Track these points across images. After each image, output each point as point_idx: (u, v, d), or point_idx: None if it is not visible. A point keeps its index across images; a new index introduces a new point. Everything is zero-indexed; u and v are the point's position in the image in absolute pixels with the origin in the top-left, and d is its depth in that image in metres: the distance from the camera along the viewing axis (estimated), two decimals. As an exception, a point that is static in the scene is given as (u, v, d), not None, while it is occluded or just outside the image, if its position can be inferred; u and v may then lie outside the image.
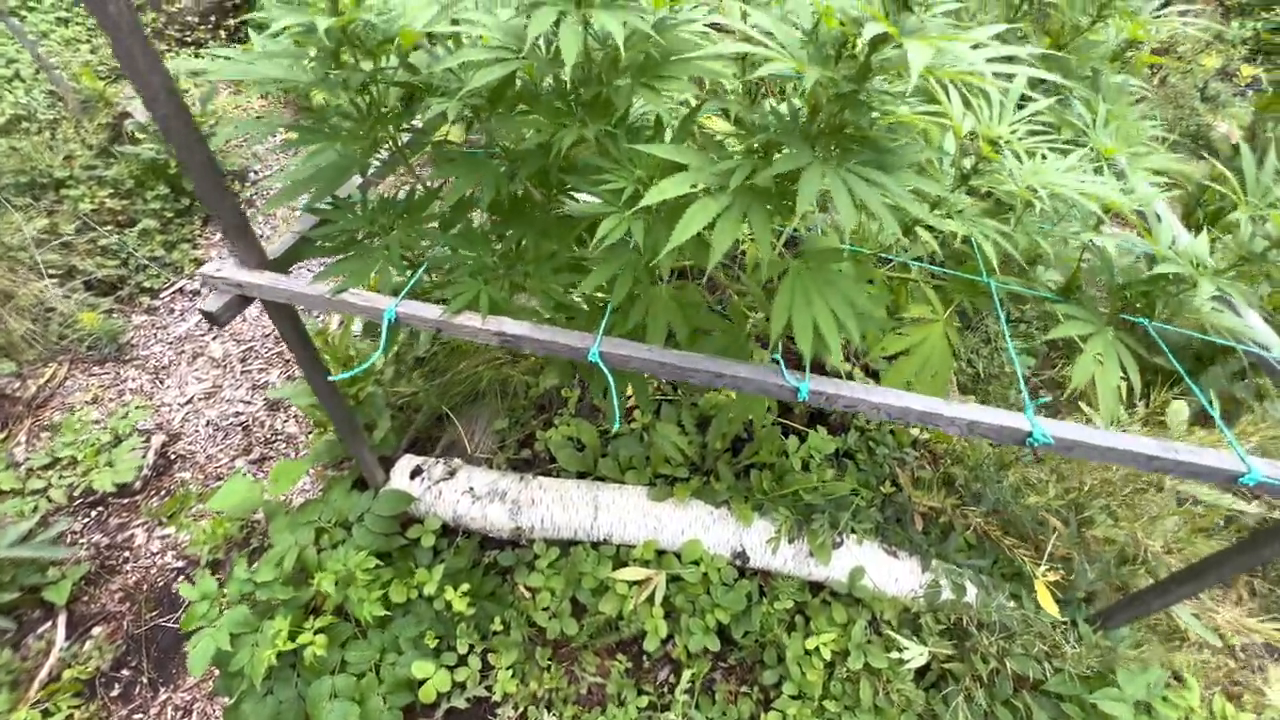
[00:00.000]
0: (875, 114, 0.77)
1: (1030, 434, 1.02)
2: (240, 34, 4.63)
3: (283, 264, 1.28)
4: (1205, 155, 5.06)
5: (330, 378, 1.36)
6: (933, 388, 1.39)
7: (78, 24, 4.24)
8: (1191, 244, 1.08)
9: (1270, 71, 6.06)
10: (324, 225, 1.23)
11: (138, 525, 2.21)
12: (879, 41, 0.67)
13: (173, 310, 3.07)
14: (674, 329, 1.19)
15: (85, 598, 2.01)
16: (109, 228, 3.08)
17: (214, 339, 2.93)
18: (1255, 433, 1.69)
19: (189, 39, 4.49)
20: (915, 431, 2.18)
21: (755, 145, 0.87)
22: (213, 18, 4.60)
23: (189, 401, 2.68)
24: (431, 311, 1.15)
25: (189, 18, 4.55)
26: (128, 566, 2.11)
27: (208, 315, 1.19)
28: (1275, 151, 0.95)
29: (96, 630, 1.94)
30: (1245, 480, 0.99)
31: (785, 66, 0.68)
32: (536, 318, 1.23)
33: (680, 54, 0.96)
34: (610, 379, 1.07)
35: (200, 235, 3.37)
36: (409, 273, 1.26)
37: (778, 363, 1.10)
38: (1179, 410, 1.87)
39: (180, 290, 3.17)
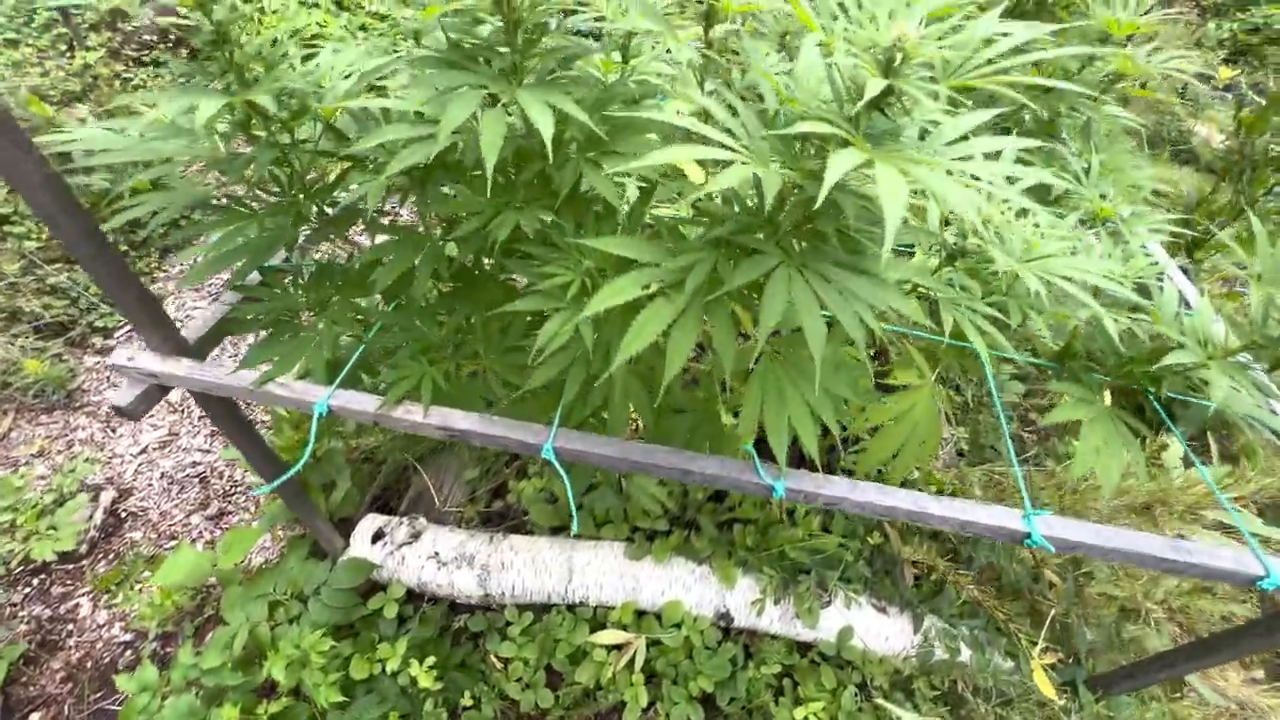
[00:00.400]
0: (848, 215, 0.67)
1: (1029, 535, 0.93)
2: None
3: (206, 345, 1.16)
4: (1188, 160, 5.02)
5: (257, 490, 1.24)
6: (921, 455, 1.30)
7: (28, 45, 4.06)
8: (1200, 316, 0.99)
9: (1249, 75, 6.07)
10: (249, 303, 1.11)
11: (83, 594, 2.07)
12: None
13: (128, 351, 2.92)
14: (638, 412, 1.08)
15: (23, 679, 1.87)
16: (57, 265, 2.92)
17: (171, 381, 2.79)
18: (1254, 481, 1.62)
19: (146, 59, 4.32)
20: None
21: (716, 236, 0.77)
22: (172, 35, 4.43)
23: (143, 451, 2.54)
24: (368, 403, 1.04)
25: (146, 36, 4.38)
26: (71, 641, 1.97)
27: (120, 411, 1.07)
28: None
29: (34, 717, 1.80)
30: (1264, 585, 0.90)
31: (746, 173, 0.57)
32: (487, 397, 1.12)
33: (634, 127, 0.86)
34: (567, 480, 0.97)
35: (158, 269, 3.22)
36: (349, 349, 1.14)
37: (751, 455, 0.99)
38: (1175, 456, 1.79)
39: (136, 328, 3.02)
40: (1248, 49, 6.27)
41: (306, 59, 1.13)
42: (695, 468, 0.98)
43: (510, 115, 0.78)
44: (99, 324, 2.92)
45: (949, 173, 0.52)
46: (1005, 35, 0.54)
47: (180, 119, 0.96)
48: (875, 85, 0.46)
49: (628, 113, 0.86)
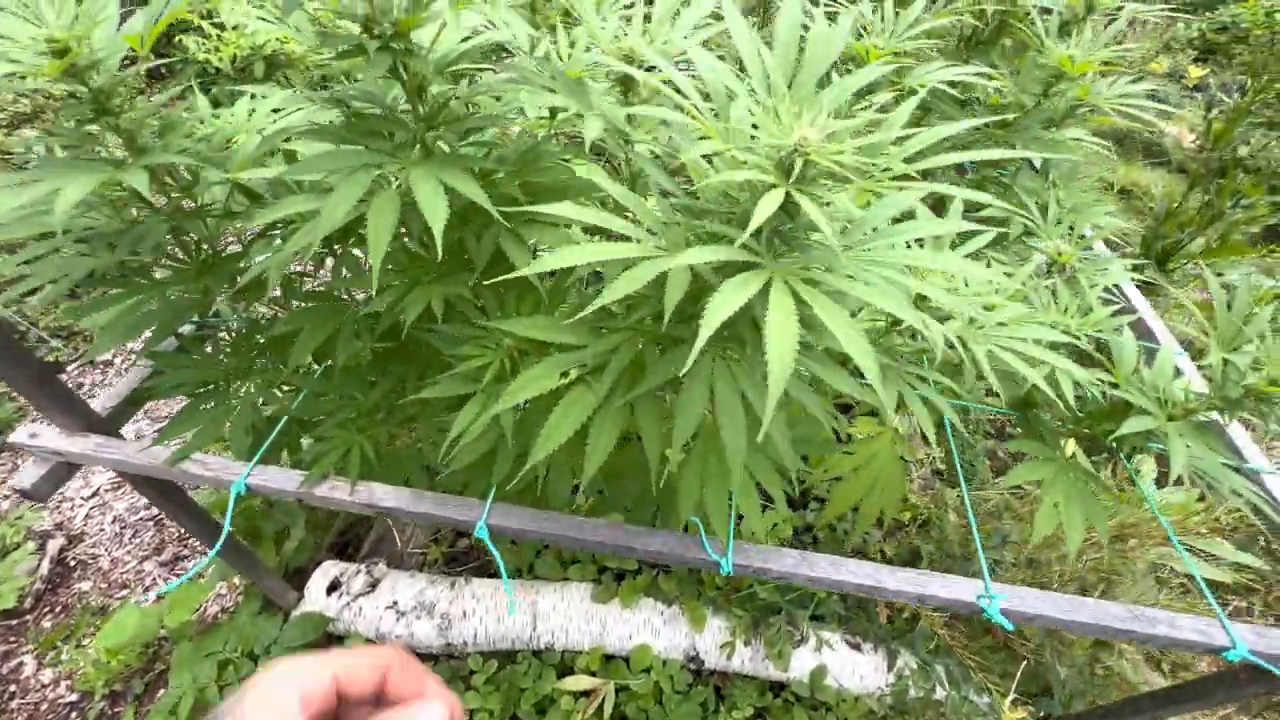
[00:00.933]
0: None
1: (990, 599, 0.88)
2: (160, 71, 4.33)
3: (121, 415, 1.09)
4: (1159, 161, 5.06)
5: (154, 596, 1.17)
6: (885, 504, 1.26)
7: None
8: (1159, 370, 0.95)
9: (1218, 74, 6.13)
10: (161, 374, 1.04)
11: (26, 651, 1.98)
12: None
13: (80, 386, 2.81)
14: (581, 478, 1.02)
15: (-39, 748, 1.78)
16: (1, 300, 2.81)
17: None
18: (1225, 507, 1.59)
19: (103, 77, 4.19)
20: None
21: (640, 317, 0.71)
22: (129, 53, 4.30)
23: (94, 494, 2.44)
24: (290, 480, 0.97)
25: (103, 54, 4.25)
26: (14, 704, 1.87)
27: (25, 494, 0.99)
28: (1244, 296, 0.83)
29: (-29, 789, 1.71)
30: (1229, 656, 0.86)
31: (651, 271, 0.52)
32: (425, 464, 1.06)
33: (556, 191, 0.80)
34: (501, 563, 0.91)
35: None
36: (278, 414, 1.08)
37: (698, 528, 0.94)
38: (1148, 479, 1.77)
39: (91, 363, 2.92)
40: (1216, 48, 6.34)
41: (227, 106, 1.06)
42: (638, 544, 0.92)
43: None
44: (49, 359, 2.81)
45: (864, 276, 0.47)
46: (918, 133, 0.49)
47: (72, 185, 0.89)
48: (770, 203, 0.41)
49: (553, 174, 0.81)
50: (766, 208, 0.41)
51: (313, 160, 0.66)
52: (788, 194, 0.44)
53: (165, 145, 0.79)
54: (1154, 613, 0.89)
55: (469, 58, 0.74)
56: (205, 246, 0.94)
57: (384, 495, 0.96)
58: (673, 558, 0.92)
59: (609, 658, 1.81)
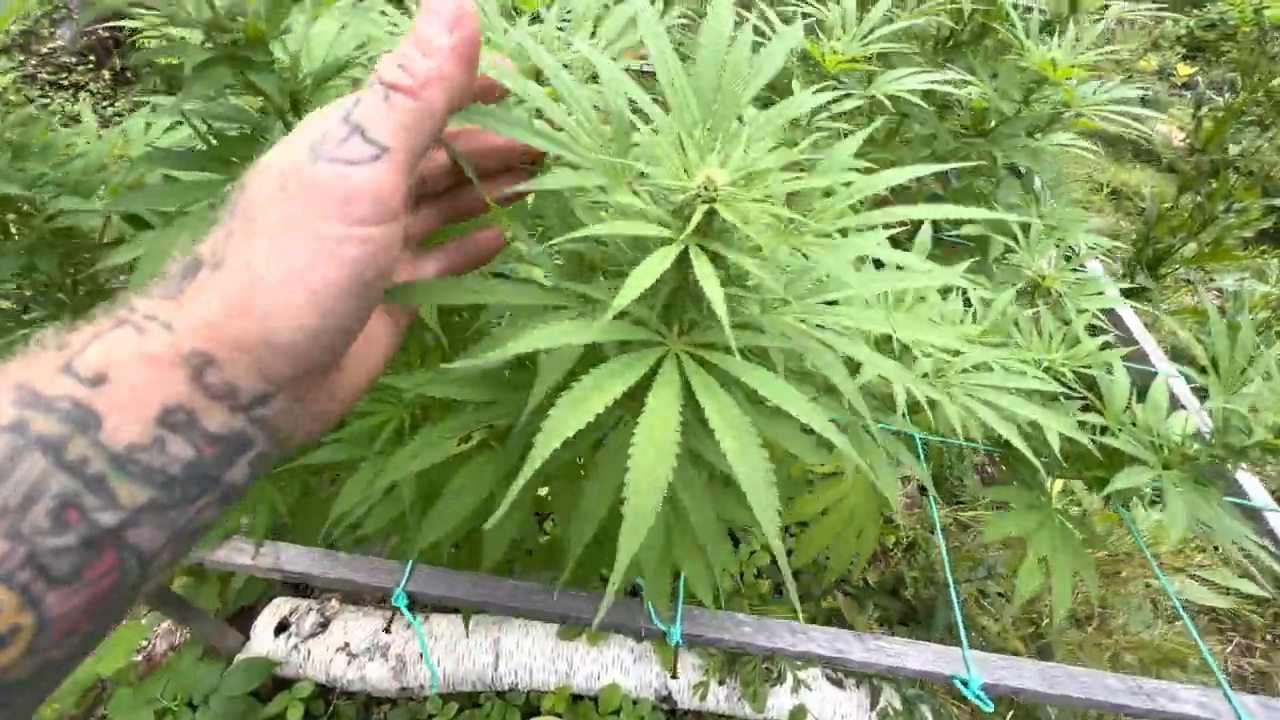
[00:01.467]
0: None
1: (966, 683, 0.79)
2: (126, 74, 4.20)
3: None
4: (1147, 160, 5.00)
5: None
6: (860, 547, 1.16)
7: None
8: (1152, 407, 0.86)
9: (1206, 72, 6.09)
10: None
11: (-41, 697, 1.86)
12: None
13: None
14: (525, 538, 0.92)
15: (-119, 806, 1.66)
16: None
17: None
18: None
19: (65, 82, 4.06)
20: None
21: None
22: (93, 57, 4.17)
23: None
24: (187, 542, 0.86)
25: (65, 58, 4.12)
26: (-59, 755, 1.75)
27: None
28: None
29: None
30: (1235, 734, 0.77)
31: (528, 345, 0.42)
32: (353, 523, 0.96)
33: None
34: (420, 635, 0.80)
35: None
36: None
37: (638, 593, 0.84)
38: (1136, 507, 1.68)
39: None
40: (1204, 45, 6.29)
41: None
42: (574, 611, 0.82)
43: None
44: None
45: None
46: (857, 177, 0.39)
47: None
48: (654, 266, 0.31)
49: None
50: (649, 272, 0.31)
51: (155, 190, 0.55)
52: (686, 251, 0.34)
53: (6, 172, 0.68)
54: (1152, 684, 0.80)
55: (360, 69, 0.64)
56: (85, 280, 0.84)
57: (293, 558, 0.86)
58: (613, 626, 0.82)
59: (577, 698, 1.71)
